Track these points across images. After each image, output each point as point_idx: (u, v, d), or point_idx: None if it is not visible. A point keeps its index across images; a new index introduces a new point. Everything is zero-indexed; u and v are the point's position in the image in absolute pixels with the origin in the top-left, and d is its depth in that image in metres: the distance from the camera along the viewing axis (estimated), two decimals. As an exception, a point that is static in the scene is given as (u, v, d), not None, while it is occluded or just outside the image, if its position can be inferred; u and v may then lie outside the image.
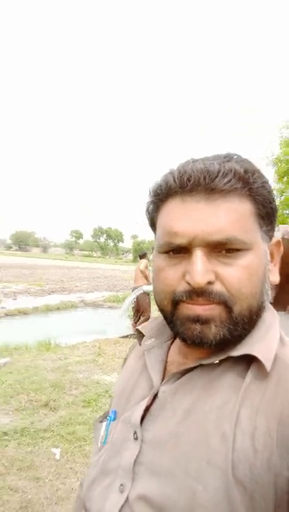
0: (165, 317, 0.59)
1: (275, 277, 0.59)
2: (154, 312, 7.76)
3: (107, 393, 3.88)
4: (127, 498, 0.53)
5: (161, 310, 0.59)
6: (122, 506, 0.52)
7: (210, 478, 0.47)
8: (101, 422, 0.68)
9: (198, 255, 0.51)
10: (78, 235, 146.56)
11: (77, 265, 44.05)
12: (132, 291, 7.65)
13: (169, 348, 0.67)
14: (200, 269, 0.51)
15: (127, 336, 6.55)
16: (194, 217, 0.52)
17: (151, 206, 0.61)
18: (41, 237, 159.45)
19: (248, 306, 0.53)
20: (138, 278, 7.61)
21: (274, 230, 0.59)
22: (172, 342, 0.68)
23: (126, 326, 8.37)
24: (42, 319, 9.97)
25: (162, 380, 0.61)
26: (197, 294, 0.52)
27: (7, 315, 9.69)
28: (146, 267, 7.61)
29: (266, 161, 12.81)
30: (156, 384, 0.60)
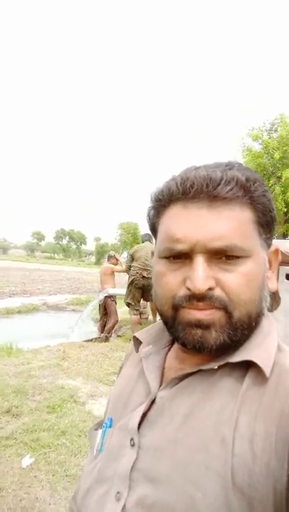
0: (165, 322, 0.59)
1: (273, 284, 0.60)
2: (121, 315, 7.73)
3: (72, 398, 3.80)
4: (124, 506, 0.52)
5: (162, 315, 0.59)
6: None
7: (209, 484, 0.47)
8: (96, 429, 0.67)
9: (200, 261, 0.52)
10: (40, 237, 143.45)
11: (39, 267, 43.01)
12: (98, 293, 7.60)
13: (166, 354, 0.67)
14: (201, 275, 0.51)
15: (91, 340, 6.46)
16: (196, 224, 0.53)
17: (153, 212, 0.61)
18: (1, 238, 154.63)
19: (247, 312, 0.54)
20: (104, 281, 7.55)
21: (272, 238, 0.60)
22: (169, 348, 0.68)
23: (90, 329, 8.28)
24: (2, 323, 9.61)
25: (160, 386, 0.61)
26: (197, 299, 0.52)
27: None
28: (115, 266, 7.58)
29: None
30: (154, 389, 0.60)
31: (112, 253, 8.04)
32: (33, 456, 2.80)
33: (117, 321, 7.33)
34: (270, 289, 0.59)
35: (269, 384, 0.52)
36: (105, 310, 7.36)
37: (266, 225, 0.57)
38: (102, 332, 7.21)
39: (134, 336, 0.74)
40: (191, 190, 0.53)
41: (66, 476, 2.60)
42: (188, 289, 0.53)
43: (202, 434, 0.51)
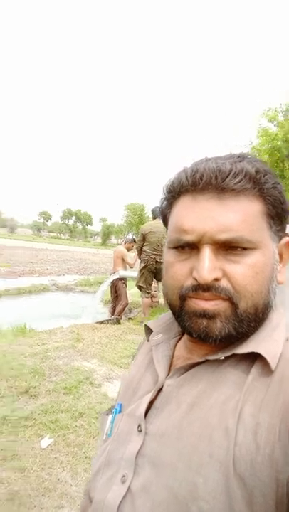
0: (173, 311, 0.60)
1: (282, 277, 0.60)
2: (131, 298, 7.73)
3: (87, 380, 3.82)
4: (129, 488, 0.54)
5: (170, 304, 0.60)
6: (124, 497, 0.54)
7: (211, 471, 0.48)
8: (107, 414, 0.70)
9: (206, 252, 0.53)
10: (47, 217, 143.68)
11: (46, 247, 43.23)
12: (110, 275, 7.57)
13: (176, 344, 0.69)
14: (207, 266, 0.52)
15: (104, 322, 6.47)
16: (204, 215, 0.54)
17: (165, 203, 0.63)
18: (9, 218, 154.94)
19: (254, 304, 0.54)
20: (116, 263, 7.51)
21: (284, 230, 0.59)
22: (180, 338, 0.70)
23: (99, 311, 8.31)
24: (14, 302, 9.69)
25: (168, 375, 0.62)
26: (203, 289, 0.53)
27: (-25, 297, 9.33)
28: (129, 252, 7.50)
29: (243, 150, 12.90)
30: (162, 378, 0.62)
31: (130, 237, 7.88)
32: (52, 437, 2.83)
33: (127, 303, 7.32)
34: (278, 281, 0.58)
35: (275, 376, 0.52)
36: (116, 292, 7.35)
37: (277, 217, 0.57)
38: (112, 314, 7.22)
39: (146, 325, 0.77)
40: (200, 182, 0.54)
41: (86, 457, 2.63)
42: (195, 279, 0.54)
43: (206, 423, 0.52)
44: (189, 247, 0.56)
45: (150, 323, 0.77)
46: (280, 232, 0.58)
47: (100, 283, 9.52)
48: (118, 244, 7.71)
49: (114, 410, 0.68)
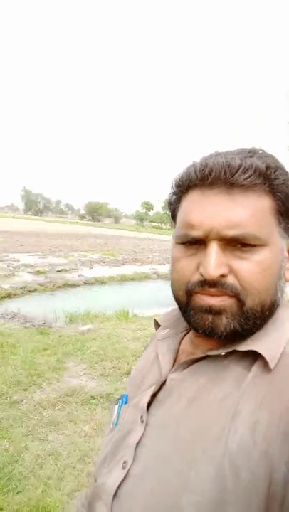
0: (180, 306, 0.60)
1: None
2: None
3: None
4: (127, 473, 0.56)
5: (176, 300, 0.60)
6: (122, 481, 0.56)
7: (203, 466, 0.48)
8: (116, 404, 0.71)
9: (213, 248, 0.53)
10: (149, 207, 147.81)
11: (148, 236, 44.64)
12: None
13: (182, 338, 0.69)
14: (214, 262, 0.52)
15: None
16: (212, 211, 0.53)
17: (173, 197, 0.62)
18: (113, 208, 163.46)
19: (260, 301, 0.54)
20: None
21: None
22: (186, 333, 0.70)
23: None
24: (117, 289, 10.28)
25: (172, 369, 0.63)
26: (209, 285, 0.53)
27: (85, 283, 10.12)
28: None
29: None
30: (165, 372, 0.63)
31: None
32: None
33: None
34: (287, 279, 0.57)
35: (277, 374, 0.52)
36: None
37: (286, 213, 0.56)
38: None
39: (155, 319, 0.79)
40: (209, 177, 0.53)
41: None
42: (202, 275, 0.53)
43: (204, 418, 0.52)
44: (196, 243, 0.55)
45: (158, 318, 0.79)
46: None
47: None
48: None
49: (120, 401, 0.70)
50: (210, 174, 0.53)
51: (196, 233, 0.54)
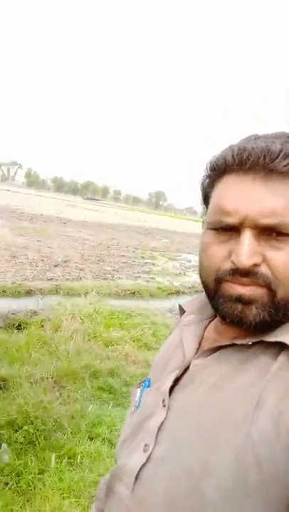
0: (208, 293, 0.59)
1: None
2: None
3: None
4: (149, 457, 0.56)
5: (205, 286, 0.59)
6: (144, 464, 0.56)
7: (225, 453, 0.48)
8: (138, 387, 0.71)
9: (247, 236, 0.51)
10: None
11: None
12: None
13: (207, 325, 0.68)
14: (247, 250, 0.51)
15: None
16: (248, 197, 0.52)
17: (207, 181, 0.60)
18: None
19: None
20: None
21: None
22: (212, 320, 0.68)
23: None
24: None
25: (195, 355, 0.62)
26: (241, 274, 0.52)
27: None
28: None
29: None
30: (189, 357, 0.62)
31: None
32: None
33: None
34: None
35: None
36: None
37: None
38: None
39: (180, 305, 0.79)
40: (248, 162, 0.52)
41: None
42: (233, 263, 0.52)
43: (227, 406, 0.51)
44: (230, 230, 0.53)
45: (184, 304, 0.78)
46: None
47: None
48: None
49: (143, 384, 0.70)
50: (248, 159, 0.51)
51: (231, 220, 0.53)
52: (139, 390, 0.70)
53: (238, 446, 0.47)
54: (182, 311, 0.78)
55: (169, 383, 0.60)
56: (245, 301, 0.53)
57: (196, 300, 0.77)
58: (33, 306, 5.56)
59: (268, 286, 0.52)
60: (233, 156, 0.54)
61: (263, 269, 0.52)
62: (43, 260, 9.51)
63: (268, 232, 0.52)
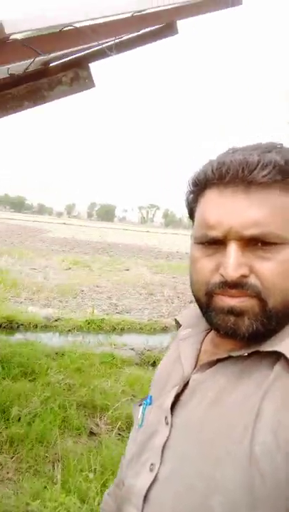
0: (200, 307, 0.60)
1: None
2: None
3: None
4: (156, 477, 0.56)
5: (197, 300, 0.60)
6: (151, 484, 0.56)
7: (228, 468, 0.48)
8: (139, 405, 0.71)
9: (233, 248, 0.52)
10: None
11: None
12: None
13: (204, 338, 0.68)
14: (233, 262, 0.51)
15: None
16: (230, 210, 0.53)
17: (191, 196, 0.61)
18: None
19: (283, 301, 0.53)
20: None
21: None
22: (208, 332, 0.68)
23: None
24: None
25: (194, 369, 0.62)
26: (230, 286, 0.52)
27: None
28: None
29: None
30: (187, 372, 0.62)
31: None
32: None
33: None
34: None
35: None
36: None
37: None
38: None
39: (175, 319, 0.80)
40: (227, 176, 0.52)
41: None
42: (222, 276, 0.53)
43: (226, 419, 0.51)
44: (216, 243, 0.54)
45: (179, 317, 0.78)
46: None
47: None
48: None
49: (144, 402, 0.69)
50: (227, 172, 0.52)
51: (215, 233, 0.53)
52: (141, 407, 0.71)
53: (241, 460, 0.48)
54: (178, 324, 0.79)
55: (170, 400, 0.61)
56: (237, 313, 0.54)
57: (191, 312, 0.77)
58: (167, 343, 5.70)
59: (258, 296, 0.52)
60: (212, 170, 0.55)
61: (252, 279, 0.53)
62: (178, 297, 9.77)
63: (253, 243, 0.53)
